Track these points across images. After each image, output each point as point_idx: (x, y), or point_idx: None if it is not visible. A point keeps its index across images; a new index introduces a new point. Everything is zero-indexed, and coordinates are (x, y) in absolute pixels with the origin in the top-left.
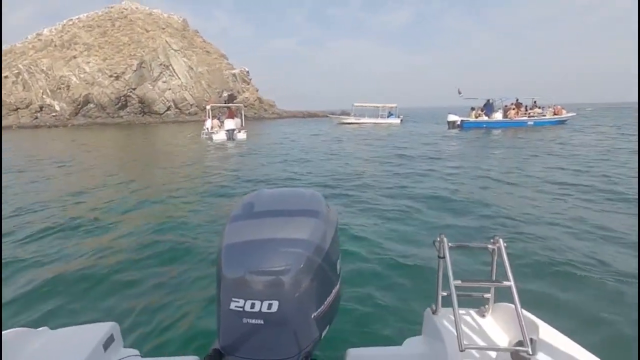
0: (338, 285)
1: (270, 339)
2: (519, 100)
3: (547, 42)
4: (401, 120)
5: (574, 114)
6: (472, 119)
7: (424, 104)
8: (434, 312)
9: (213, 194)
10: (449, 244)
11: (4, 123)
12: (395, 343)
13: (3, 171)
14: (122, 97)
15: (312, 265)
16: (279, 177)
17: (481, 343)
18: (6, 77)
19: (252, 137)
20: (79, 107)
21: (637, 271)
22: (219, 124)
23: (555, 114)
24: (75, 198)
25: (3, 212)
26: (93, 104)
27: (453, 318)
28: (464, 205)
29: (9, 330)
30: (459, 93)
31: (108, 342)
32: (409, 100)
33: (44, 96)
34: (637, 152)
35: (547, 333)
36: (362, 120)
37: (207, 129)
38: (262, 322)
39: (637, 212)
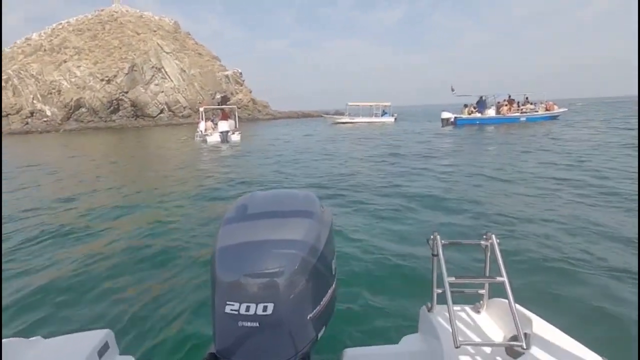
0: (334, 286)
1: (267, 342)
2: (512, 97)
3: (538, 39)
4: (395, 119)
5: (566, 109)
6: (465, 116)
7: (418, 102)
8: (430, 310)
9: (206, 197)
10: (442, 241)
11: None
12: (392, 342)
13: None
14: (114, 101)
15: (307, 266)
16: (273, 178)
17: (476, 339)
18: None
19: (246, 138)
20: (71, 111)
21: (632, 266)
22: (213, 126)
23: (547, 109)
24: (66, 204)
25: None
26: (85, 109)
27: (448, 315)
28: (457, 203)
29: None
30: (452, 90)
31: (103, 350)
32: (403, 98)
33: (34, 101)
34: (636, 148)
35: (541, 327)
36: (356, 119)
37: (201, 131)
38: (257, 324)
39: (637, 211)
